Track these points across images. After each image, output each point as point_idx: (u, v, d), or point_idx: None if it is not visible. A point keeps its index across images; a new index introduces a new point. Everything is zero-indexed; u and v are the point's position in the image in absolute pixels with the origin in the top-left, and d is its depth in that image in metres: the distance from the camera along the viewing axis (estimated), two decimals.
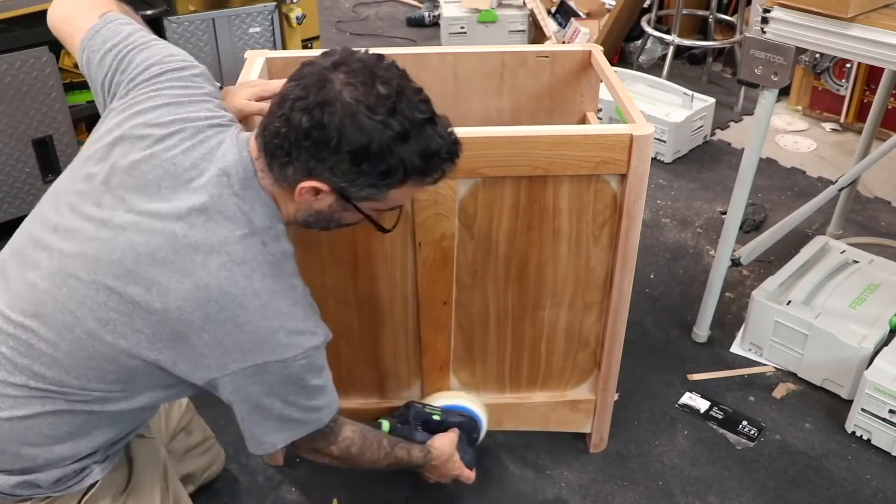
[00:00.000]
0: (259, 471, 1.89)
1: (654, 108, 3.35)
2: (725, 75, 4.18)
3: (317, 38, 2.62)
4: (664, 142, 3.27)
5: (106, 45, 1.28)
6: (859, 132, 2.79)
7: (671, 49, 3.88)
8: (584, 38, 4.04)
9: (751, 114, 3.60)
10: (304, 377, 1.23)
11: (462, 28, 4.26)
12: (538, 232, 1.59)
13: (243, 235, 1.15)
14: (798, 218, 2.46)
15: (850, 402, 2.03)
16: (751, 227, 2.83)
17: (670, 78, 3.70)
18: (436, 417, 1.69)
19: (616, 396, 1.93)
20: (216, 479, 1.83)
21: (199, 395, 1.28)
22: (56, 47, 2.39)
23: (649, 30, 3.98)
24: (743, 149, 2.07)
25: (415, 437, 1.62)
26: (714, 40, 4.09)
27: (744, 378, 2.20)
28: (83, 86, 2.51)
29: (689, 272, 2.63)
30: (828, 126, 3.62)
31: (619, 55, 4.28)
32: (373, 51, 1.19)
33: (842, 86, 3.53)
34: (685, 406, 2.11)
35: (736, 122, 3.71)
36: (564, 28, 4.18)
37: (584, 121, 1.93)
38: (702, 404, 2.11)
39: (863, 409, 1.96)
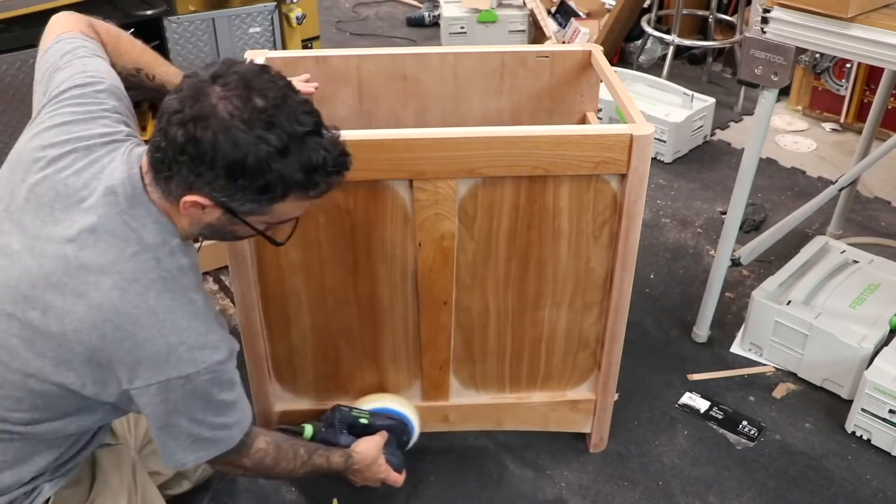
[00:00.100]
0: None
1: (654, 108, 3.35)
2: (725, 75, 4.18)
3: (317, 38, 2.61)
4: (664, 142, 3.27)
5: (40, 70, 1.30)
6: (859, 132, 2.79)
7: (671, 49, 3.88)
8: (584, 38, 4.04)
9: (751, 114, 3.60)
10: (211, 392, 1.22)
11: (462, 28, 4.26)
12: (538, 232, 1.59)
13: (134, 253, 1.14)
14: (798, 218, 2.46)
15: (850, 402, 2.03)
16: (751, 227, 2.83)
17: (670, 78, 3.70)
18: (363, 421, 1.67)
19: (616, 396, 1.93)
20: (216, 478, 1.83)
21: None
22: None
23: (649, 30, 3.98)
24: (743, 149, 2.07)
25: (339, 441, 1.60)
26: (714, 40, 4.09)
27: (744, 378, 2.20)
28: None
29: (689, 272, 2.63)
30: (828, 126, 3.62)
31: (619, 55, 4.28)
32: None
33: (842, 86, 3.52)
34: (685, 406, 2.11)
35: (736, 122, 3.71)
36: (564, 28, 4.18)
37: (584, 121, 1.93)
38: (702, 404, 2.11)
39: (863, 409, 1.96)
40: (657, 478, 1.90)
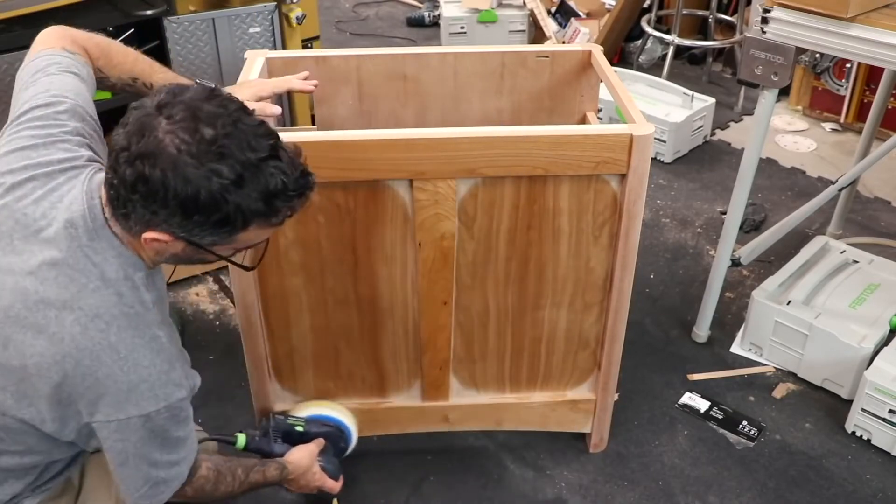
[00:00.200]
0: None
1: (654, 108, 3.35)
2: (725, 75, 4.18)
3: (317, 38, 2.61)
4: (664, 142, 3.27)
5: (14, 88, 1.27)
6: (859, 132, 2.79)
7: (671, 49, 3.88)
8: (584, 38, 4.04)
9: (751, 114, 3.60)
10: (168, 430, 1.20)
11: (462, 28, 4.26)
12: (538, 232, 1.59)
13: (96, 288, 1.11)
14: (798, 218, 2.46)
15: (850, 402, 2.03)
16: (751, 227, 2.83)
17: (670, 78, 3.70)
18: (298, 428, 1.66)
19: (616, 396, 1.93)
20: None
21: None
22: None
23: (649, 30, 3.98)
24: (743, 149, 2.07)
25: (273, 449, 1.59)
26: (714, 40, 4.09)
27: (744, 378, 2.20)
28: None
29: (689, 272, 2.63)
30: (828, 126, 3.62)
31: (619, 55, 4.28)
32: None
33: (842, 86, 3.52)
34: (685, 406, 2.11)
35: (736, 122, 3.71)
36: (564, 28, 4.18)
37: (584, 121, 1.93)
38: (702, 404, 2.11)
39: (863, 409, 1.96)
40: (657, 478, 1.90)
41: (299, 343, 1.73)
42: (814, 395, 2.14)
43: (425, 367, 1.78)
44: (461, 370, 1.81)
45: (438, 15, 4.57)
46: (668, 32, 3.92)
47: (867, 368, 1.96)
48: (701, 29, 4.24)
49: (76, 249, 1.11)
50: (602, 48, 1.85)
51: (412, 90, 1.87)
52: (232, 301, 2.41)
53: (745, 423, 2.05)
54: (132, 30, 2.18)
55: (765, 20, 1.80)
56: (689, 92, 3.39)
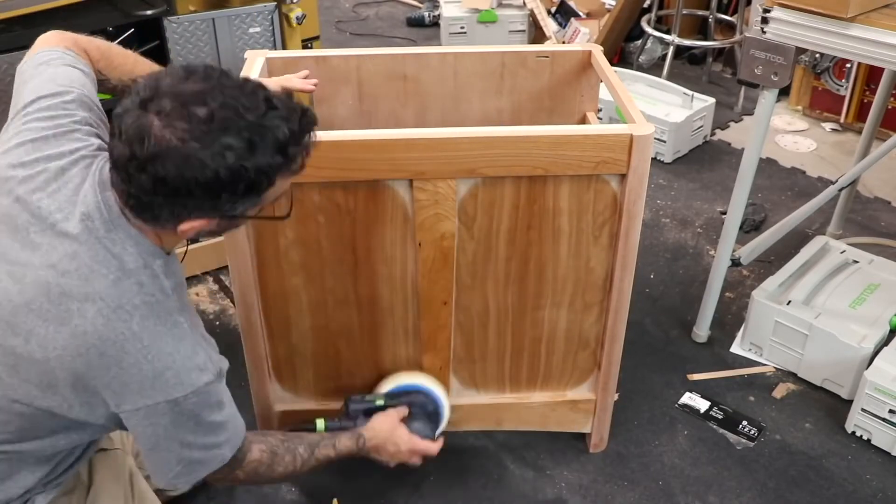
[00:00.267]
0: None
1: (654, 108, 3.35)
2: (725, 75, 4.18)
3: (317, 38, 2.61)
4: (664, 142, 3.27)
5: (15, 84, 1.27)
6: (859, 132, 2.79)
7: (671, 49, 3.88)
8: (584, 38, 4.04)
9: (751, 114, 3.60)
10: (200, 414, 1.20)
11: (462, 28, 4.26)
12: (538, 232, 1.60)
13: (116, 279, 1.12)
14: (798, 218, 2.46)
15: (850, 402, 2.03)
16: (751, 227, 2.83)
17: (670, 78, 3.70)
18: (378, 403, 1.65)
19: (616, 396, 1.93)
20: None
21: None
22: None
23: (649, 30, 3.98)
24: (743, 149, 2.07)
25: (356, 427, 1.58)
26: (714, 40, 4.09)
27: (744, 378, 2.20)
28: None
29: (689, 272, 2.63)
30: (828, 126, 3.62)
31: (619, 55, 4.28)
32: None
33: (842, 86, 3.53)
34: (685, 406, 2.11)
35: (736, 122, 3.71)
36: (564, 28, 4.18)
37: (584, 121, 1.93)
38: (702, 404, 2.11)
39: (863, 409, 1.96)
40: (657, 478, 1.90)
41: (299, 343, 1.73)
42: (814, 395, 2.14)
43: (425, 367, 1.78)
44: (461, 370, 1.81)
45: (438, 15, 4.57)
46: (668, 32, 3.92)
47: (867, 368, 1.96)
48: (701, 29, 4.24)
49: (94, 241, 1.12)
50: (602, 48, 1.85)
51: (412, 90, 1.87)
52: (232, 301, 2.41)
53: (745, 423, 2.05)
54: (132, 30, 2.18)
55: (765, 20, 1.80)
56: (689, 92, 3.39)
